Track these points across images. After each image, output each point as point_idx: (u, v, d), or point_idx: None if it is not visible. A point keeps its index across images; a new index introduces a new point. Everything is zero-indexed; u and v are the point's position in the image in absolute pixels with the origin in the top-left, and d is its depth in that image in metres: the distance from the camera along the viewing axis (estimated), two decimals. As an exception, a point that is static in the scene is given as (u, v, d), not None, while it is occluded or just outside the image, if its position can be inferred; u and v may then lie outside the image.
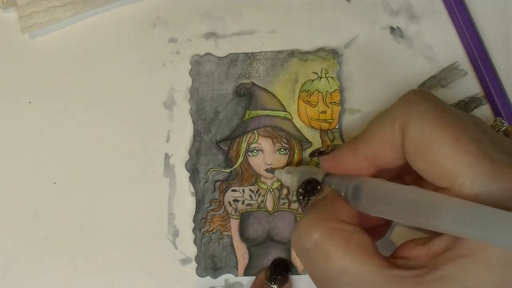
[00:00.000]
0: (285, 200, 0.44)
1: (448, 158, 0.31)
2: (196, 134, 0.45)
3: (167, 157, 0.46)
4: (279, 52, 0.45)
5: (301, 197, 0.37)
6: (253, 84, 0.45)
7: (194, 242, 0.44)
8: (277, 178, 0.44)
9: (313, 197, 0.37)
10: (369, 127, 0.36)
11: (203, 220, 0.45)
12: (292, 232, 0.36)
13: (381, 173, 0.36)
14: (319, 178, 0.39)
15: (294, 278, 0.44)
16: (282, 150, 0.45)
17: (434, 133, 0.32)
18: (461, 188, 0.31)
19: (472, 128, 0.32)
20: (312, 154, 0.42)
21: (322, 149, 0.41)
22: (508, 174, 0.30)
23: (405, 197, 0.32)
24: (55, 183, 0.46)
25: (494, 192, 0.30)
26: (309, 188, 0.37)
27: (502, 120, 0.43)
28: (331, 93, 0.45)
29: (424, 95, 0.35)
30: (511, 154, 0.32)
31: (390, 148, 0.34)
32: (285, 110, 0.45)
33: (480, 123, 0.36)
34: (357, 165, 0.36)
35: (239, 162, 0.45)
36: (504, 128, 0.43)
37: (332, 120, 0.45)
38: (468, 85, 0.45)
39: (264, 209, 0.44)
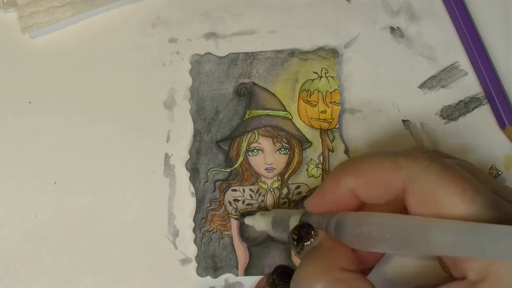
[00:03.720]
0: (285, 200, 0.44)
1: (456, 207, 0.31)
2: (196, 134, 0.45)
3: (167, 157, 0.46)
4: (279, 51, 0.45)
5: (295, 242, 0.37)
6: (254, 83, 0.45)
7: (194, 242, 0.44)
8: (251, 225, 0.43)
9: (308, 242, 0.36)
10: (362, 162, 0.36)
11: (203, 220, 0.45)
12: (292, 282, 0.35)
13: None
14: (296, 218, 0.38)
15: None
16: (282, 149, 0.45)
17: (440, 184, 0.32)
18: None
19: (475, 181, 0.33)
20: (298, 203, 0.43)
21: (304, 195, 0.42)
22: None
23: (391, 224, 0.32)
24: (55, 183, 0.46)
25: None
26: (302, 233, 0.36)
27: (497, 168, 0.44)
28: (331, 93, 0.45)
29: (428, 152, 0.35)
30: None
31: (382, 189, 0.35)
32: (285, 110, 0.45)
33: (482, 173, 0.37)
34: (340, 200, 0.36)
35: (239, 162, 0.45)
36: (499, 175, 0.44)
37: (332, 119, 0.45)
38: (468, 85, 0.45)
39: (264, 209, 0.44)
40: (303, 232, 0.36)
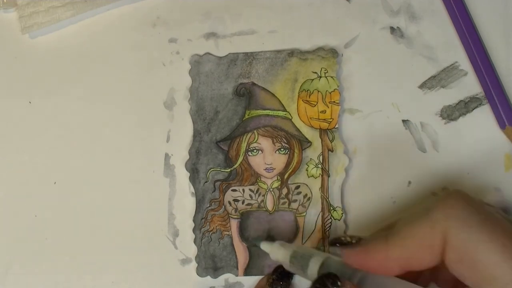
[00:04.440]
0: (285, 200, 0.44)
1: (497, 265, 0.31)
2: (196, 134, 0.45)
3: (167, 157, 0.46)
4: (278, 51, 0.45)
5: None
6: (253, 83, 0.45)
7: (194, 242, 0.44)
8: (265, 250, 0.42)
9: None
10: (403, 228, 0.35)
11: (203, 220, 0.45)
12: None
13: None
14: (317, 260, 0.38)
15: (295, 278, 0.44)
16: (282, 149, 0.45)
17: (479, 240, 0.32)
18: None
19: None
20: (332, 243, 0.40)
21: (344, 240, 0.40)
22: None
23: None
24: (55, 183, 0.46)
25: None
26: (328, 283, 0.36)
27: None
28: (330, 93, 0.45)
29: (465, 198, 0.34)
30: None
31: (428, 252, 0.34)
32: (284, 110, 0.45)
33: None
34: (387, 265, 0.35)
35: (239, 162, 0.45)
36: None
37: (331, 119, 0.45)
38: (468, 85, 0.45)
39: (264, 209, 0.44)
40: (329, 282, 0.36)
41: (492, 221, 0.33)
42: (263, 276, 0.44)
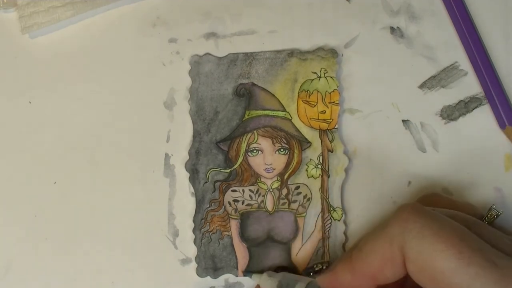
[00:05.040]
0: (285, 200, 0.44)
1: (454, 272, 0.32)
2: (196, 134, 0.45)
3: (167, 157, 0.46)
4: (278, 52, 0.45)
5: None
6: (253, 84, 0.45)
7: (194, 242, 0.44)
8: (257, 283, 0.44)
9: None
10: (364, 245, 0.37)
11: (203, 220, 0.45)
12: None
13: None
14: (301, 286, 0.40)
15: (294, 278, 0.45)
16: (282, 150, 0.45)
17: (435, 250, 0.32)
18: None
19: (471, 238, 0.33)
20: (307, 273, 0.43)
21: (316, 268, 0.43)
22: None
23: None
24: (55, 183, 0.46)
25: None
26: None
27: (496, 209, 0.41)
28: (330, 93, 0.45)
29: (418, 210, 0.35)
30: None
31: (390, 266, 0.35)
32: (284, 110, 0.45)
33: (476, 224, 0.36)
34: (356, 284, 0.37)
35: (239, 162, 0.45)
36: (499, 215, 0.41)
37: (331, 120, 0.45)
38: (468, 85, 0.45)
39: (264, 209, 0.44)
40: None
41: (447, 230, 0.33)
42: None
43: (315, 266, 0.43)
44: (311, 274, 0.43)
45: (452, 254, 0.32)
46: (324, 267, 0.43)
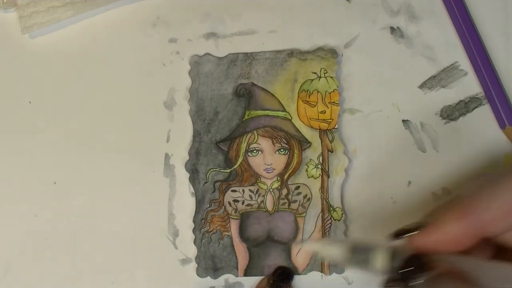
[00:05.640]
0: (285, 200, 0.44)
1: None
2: (196, 135, 0.45)
3: (167, 157, 0.46)
4: (278, 52, 0.45)
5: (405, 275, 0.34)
6: (253, 84, 0.45)
7: (194, 243, 0.44)
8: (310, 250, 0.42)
9: (421, 277, 0.34)
10: (479, 193, 0.34)
11: (203, 221, 0.45)
12: None
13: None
14: (383, 252, 0.36)
15: (295, 278, 0.44)
16: (282, 150, 0.45)
17: None
18: None
19: None
20: (397, 235, 0.38)
21: (409, 227, 0.37)
22: None
23: None
24: (55, 183, 0.46)
25: None
26: (414, 266, 0.34)
27: None
28: (330, 93, 0.45)
29: None
30: None
31: (510, 215, 0.33)
32: (284, 110, 0.45)
33: None
34: (462, 235, 0.34)
35: (238, 162, 0.45)
36: None
37: (331, 120, 0.45)
38: (468, 85, 0.45)
39: (264, 209, 0.44)
40: (415, 264, 0.34)
41: None
42: (263, 277, 0.44)
43: (407, 227, 0.37)
44: (402, 236, 0.37)
45: None
46: (419, 226, 0.37)
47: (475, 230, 0.34)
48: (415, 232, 0.36)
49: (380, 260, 0.36)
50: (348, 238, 0.42)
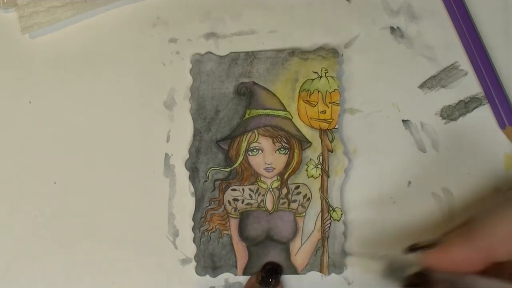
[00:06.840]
0: (285, 200, 0.44)
1: None
2: (196, 133, 0.45)
3: (167, 157, 0.46)
4: (279, 51, 0.45)
5: None
6: (254, 83, 0.45)
7: (194, 241, 0.44)
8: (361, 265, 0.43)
9: None
10: (484, 219, 0.35)
11: (202, 219, 0.45)
12: None
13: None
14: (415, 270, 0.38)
15: (294, 278, 0.44)
16: (282, 149, 0.45)
17: None
18: None
19: None
20: (411, 250, 0.40)
21: (423, 244, 0.39)
22: None
23: None
24: (55, 183, 0.46)
25: None
26: (418, 282, 0.37)
27: None
28: (330, 93, 0.45)
29: None
30: None
31: None
32: (285, 110, 0.45)
33: None
34: (470, 259, 0.35)
35: (239, 161, 0.45)
36: None
37: (331, 120, 0.45)
38: (468, 85, 0.45)
39: (264, 209, 0.44)
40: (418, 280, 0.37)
41: None
42: (252, 274, 0.44)
43: (421, 243, 0.40)
44: (416, 250, 0.39)
45: None
46: (433, 243, 0.39)
47: (482, 254, 0.35)
48: (429, 249, 0.38)
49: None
50: (387, 255, 0.42)
